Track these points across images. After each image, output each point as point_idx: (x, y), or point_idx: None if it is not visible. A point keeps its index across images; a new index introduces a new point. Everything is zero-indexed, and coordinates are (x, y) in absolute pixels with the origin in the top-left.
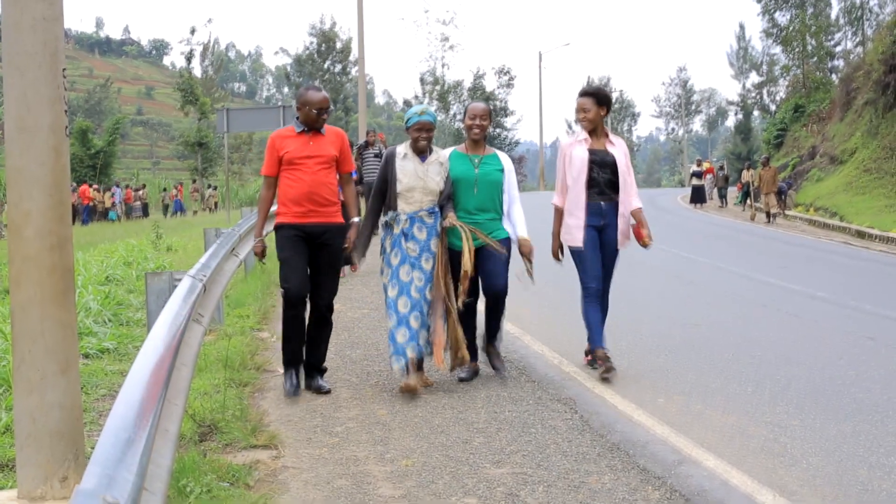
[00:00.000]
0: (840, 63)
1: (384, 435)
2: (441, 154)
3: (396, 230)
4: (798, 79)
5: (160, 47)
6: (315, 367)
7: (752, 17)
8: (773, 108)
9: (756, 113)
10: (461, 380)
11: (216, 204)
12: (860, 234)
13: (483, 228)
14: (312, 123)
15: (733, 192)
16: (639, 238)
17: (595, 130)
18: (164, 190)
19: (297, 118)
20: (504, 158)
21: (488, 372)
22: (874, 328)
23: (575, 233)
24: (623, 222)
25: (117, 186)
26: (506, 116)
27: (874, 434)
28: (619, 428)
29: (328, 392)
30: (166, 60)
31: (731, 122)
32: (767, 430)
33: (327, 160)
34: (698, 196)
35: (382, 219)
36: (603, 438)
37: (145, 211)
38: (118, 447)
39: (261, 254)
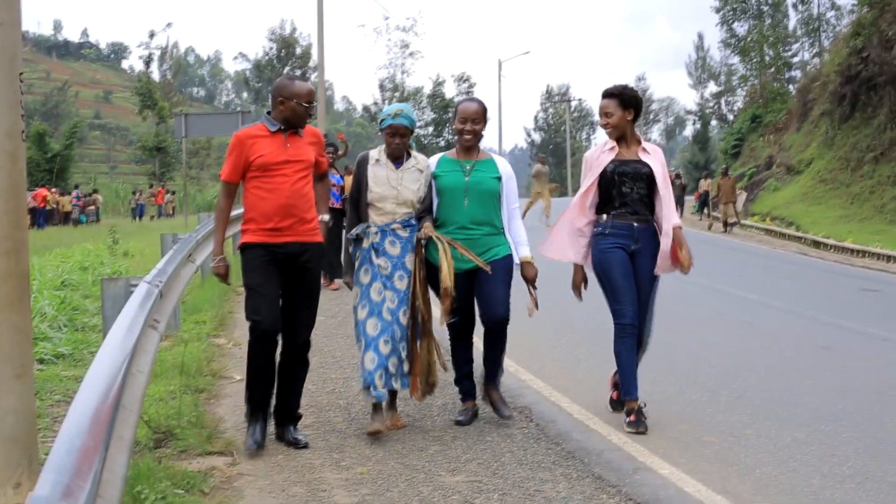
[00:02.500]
0: (797, 74)
1: (340, 442)
2: (420, 160)
3: (366, 244)
4: (756, 89)
5: (119, 51)
6: (288, 416)
7: (710, 27)
8: (730, 117)
9: (714, 122)
10: (458, 423)
11: (174, 209)
12: (816, 244)
13: (480, 245)
14: (299, 121)
15: (690, 201)
16: (675, 261)
17: (624, 138)
18: (134, 193)
19: (269, 114)
20: (501, 164)
21: (487, 413)
22: (829, 337)
23: (568, 251)
24: (666, 244)
25: (77, 189)
26: None
27: (828, 443)
28: (575, 436)
29: (306, 446)
30: (125, 64)
31: (689, 131)
32: (722, 439)
33: (306, 166)
34: None
35: (354, 231)
36: (558, 447)
37: (97, 215)
38: (72, 454)
39: (224, 275)
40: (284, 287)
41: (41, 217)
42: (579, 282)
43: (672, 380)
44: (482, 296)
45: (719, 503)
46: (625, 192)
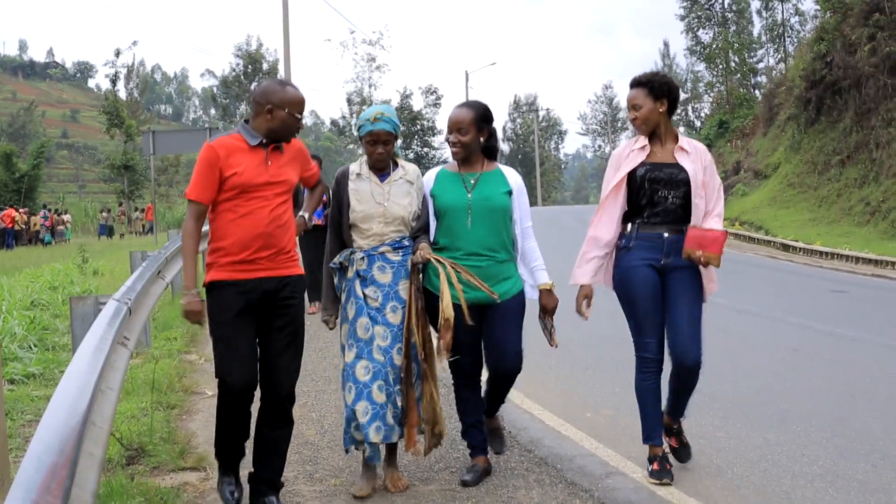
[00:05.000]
0: (763, 79)
1: (313, 455)
2: (410, 170)
3: (350, 273)
4: (722, 95)
5: (85, 70)
6: (268, 485)
7: (676, 35)
8: (697, 124)
9: (682, 129)
10: (464, 484)
11: (143, 227)
12: (785, 247)
13: (488, 278)
14: (287, 135)
15: None
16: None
17: (657, 134)
18: (109, 211)
19: (246, 122)
20: (511, 175)
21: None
22: (798, 339)
23: (584, 265)
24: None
25: (45, 209)
26: (433, 136)
27: (798, 443)
28: (547, 443)
29: None
30: (91, 83)
31: None
32: (693, 442)
33: (287, 189)
34: None
35: (336, 259)
36: (531, 453)
37: (63, 236)
38: (41, 471)
39: (197, 312)
40: (262, 330)
41: (10, 237)
42: (582, 298)
43: None
44: (491, 342)
45: None
46: (657, 200)
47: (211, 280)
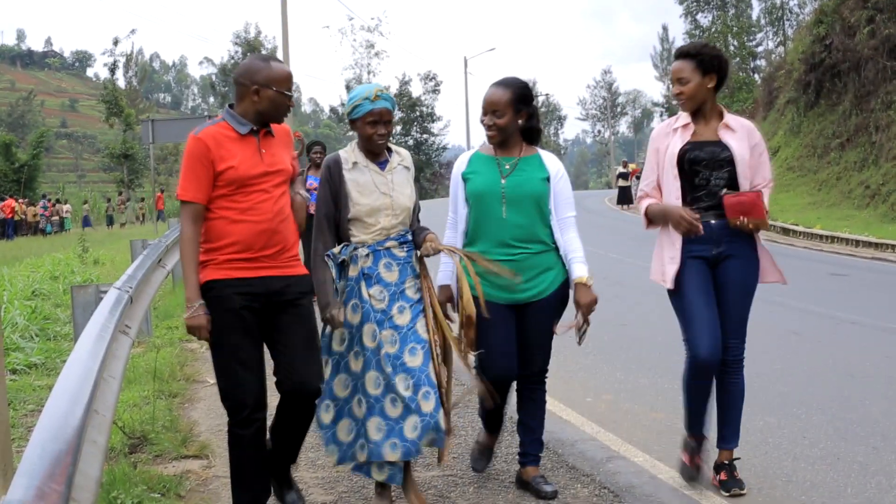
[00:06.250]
0: (762, 63)
1: (315, 441)
2: (404, 154)
3: (353, 271)
4: None
5: (83, 59)
6: (284, 478)
7: (674, 19)
8: None
9: (681, 114)
10: (475, 469)
11: (144, 215)
12: (785, 231)
13: (527, 269)
14: (278, 116)
15: None
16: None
17: (701, 111)
18: (109, 200)
19: (231, 108)
20: (550, 160)
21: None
22: (799, 323)
23: (667, 267)
24: (762, 248)
25: (45, 199)
26: (433, 122)
27: (798, 426)
28: (548, 427)
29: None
30: (90, 72)
31: (656, 123)
32: None
33: (286, 178)
34: (625, 197)
35: (336, 251)
36: None
37: (62, 225)
38: (45, 458)
39: (204, 328)
40: (269, 334)
41: (10, 228)
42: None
43: (645, 370)
44: (524, 341)
45: (693, 489)
46: (698, 183)
47: (206, 280)
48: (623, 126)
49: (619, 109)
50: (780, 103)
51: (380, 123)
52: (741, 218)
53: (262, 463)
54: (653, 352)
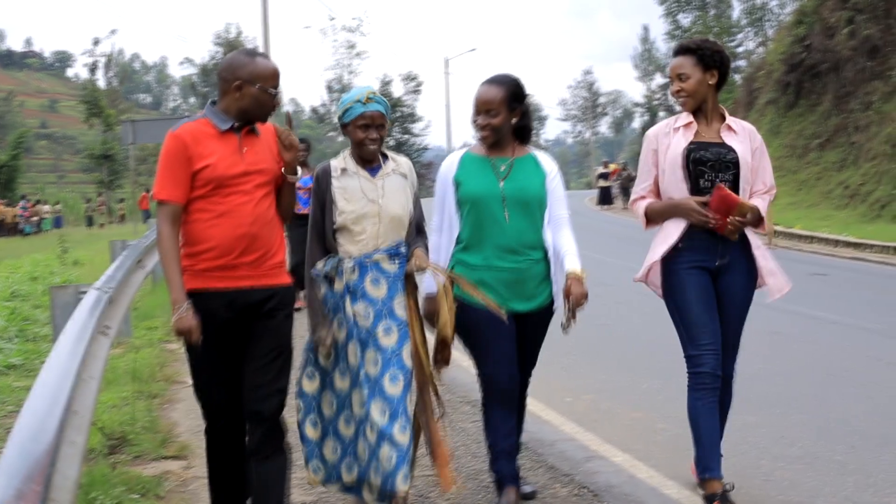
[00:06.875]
0: (742, 63)
1: (294, 442)
2: (401, 162)
3: (339, 286)
4: None
5: (63, 59)
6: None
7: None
8: (677, 108)
9: (662, 114)
10: None
11: (123, 216)
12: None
13: (530, 280)
14: (262, 114)
15: None
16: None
17: (702, 110)
18: (89, 201)
19: (214, 104)
20: (545, 161)
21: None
22: (779, 323)
23: (655, 250)
24: (762, 256)
25: (24, 200)
26: (413, 122)
27: (778, 426)
28: (527, 427)
29: None
30: (70, 72)
31: (637, 123)
32: (674, 425)
33: (270, 178)
34: (605, 197)
35: (319, 266)
36: None
37: (40, 226)
38: (24, 459)
39: (194, 329)
40: (242, 348)
41: None
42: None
43: (624, 370)
44: (520, 353)
45: (671, 488)
46: (703, 186)
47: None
48: (604, 126)
49: (599, 110)
50: (761, 104)
51: (371, 127)
52: (730, 218)
53: (240, 464)
54: (633, 351)
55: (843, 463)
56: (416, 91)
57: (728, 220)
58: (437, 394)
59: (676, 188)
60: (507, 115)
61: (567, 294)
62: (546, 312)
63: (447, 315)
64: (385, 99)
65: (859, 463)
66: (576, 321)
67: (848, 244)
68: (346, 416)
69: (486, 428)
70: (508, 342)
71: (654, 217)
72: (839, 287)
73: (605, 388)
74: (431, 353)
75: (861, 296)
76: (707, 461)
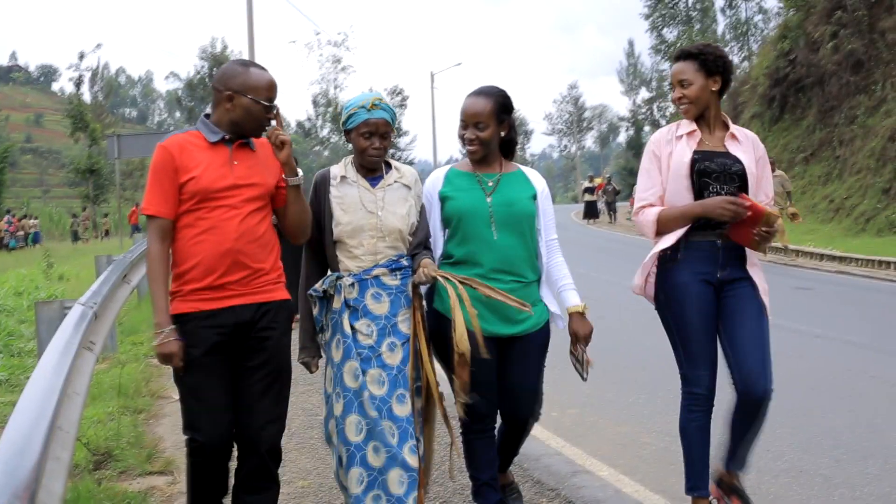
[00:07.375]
0: None
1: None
2: (406, 172)
3: (337, 303)
4: None
5: (49, 73)
6: None
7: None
8: (663, 122)
9: (647, 128)
10: None
11: (108, 231)
12: None
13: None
14: (254, 127)
15: (626, 207)
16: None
17: (705, 118)
18: (75, 216)
19: (207, 117)
20: (535, 177)
21: None
22: None
23: (659, 245)
24: (756, 274)
25: (9, 214)
26: (399, 136)
27: (763, 439)
28: None
29: None
30: (55, 87)
31: (622, 137)
32: (659, 439)
33: (262, 193)
34: (591, 211)
35: (318, 286)
36: None
37: (26, 240)
38: (8, 475)
39: (176, 355)
40: (236, 372)
41: None
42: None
43: (610, 383)
44: (507, 383)
45: (657, 502)
46: (704, 195)
47: (173, 314)
48: (589, 141)
49: (585, 124)
50: (745, 118)
51: (375, 136)
52: (759, 230)
53: (223, 486)
54: (618, 365)
55: (828, 477)
56: (401, 105)
57: (755, 231)
58: (445, 417)
59: (680, 198)
60: (496, 127)
61: (574, 334)
62: (535, 335)
63: (462, 328)
64: (390, 106)
65: (844, 476)
66: (592, 363)
67: (833, 258)
68: (376, 445)
69: (466, 457)
70: (488, 367)
71: (669, 223)
72: (824, 301)
73: (591, 401)
74: (447, 373)
75: (846, 310)
76: (696, 479)
